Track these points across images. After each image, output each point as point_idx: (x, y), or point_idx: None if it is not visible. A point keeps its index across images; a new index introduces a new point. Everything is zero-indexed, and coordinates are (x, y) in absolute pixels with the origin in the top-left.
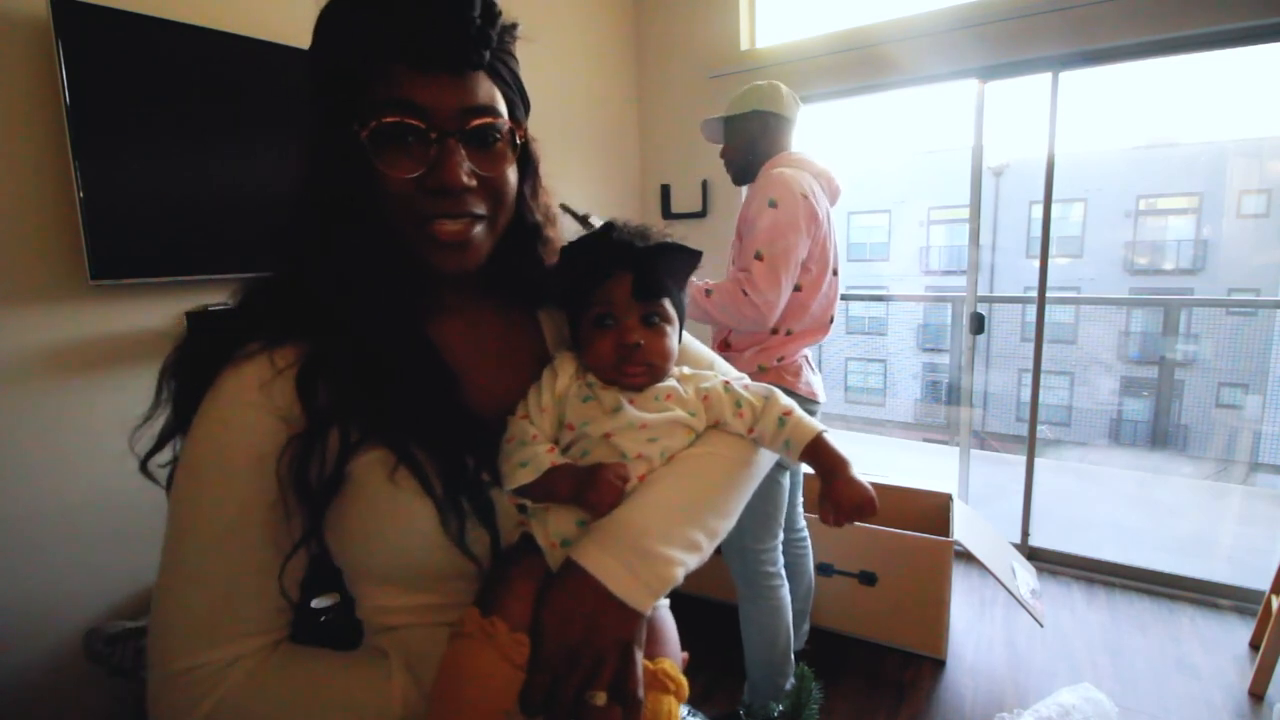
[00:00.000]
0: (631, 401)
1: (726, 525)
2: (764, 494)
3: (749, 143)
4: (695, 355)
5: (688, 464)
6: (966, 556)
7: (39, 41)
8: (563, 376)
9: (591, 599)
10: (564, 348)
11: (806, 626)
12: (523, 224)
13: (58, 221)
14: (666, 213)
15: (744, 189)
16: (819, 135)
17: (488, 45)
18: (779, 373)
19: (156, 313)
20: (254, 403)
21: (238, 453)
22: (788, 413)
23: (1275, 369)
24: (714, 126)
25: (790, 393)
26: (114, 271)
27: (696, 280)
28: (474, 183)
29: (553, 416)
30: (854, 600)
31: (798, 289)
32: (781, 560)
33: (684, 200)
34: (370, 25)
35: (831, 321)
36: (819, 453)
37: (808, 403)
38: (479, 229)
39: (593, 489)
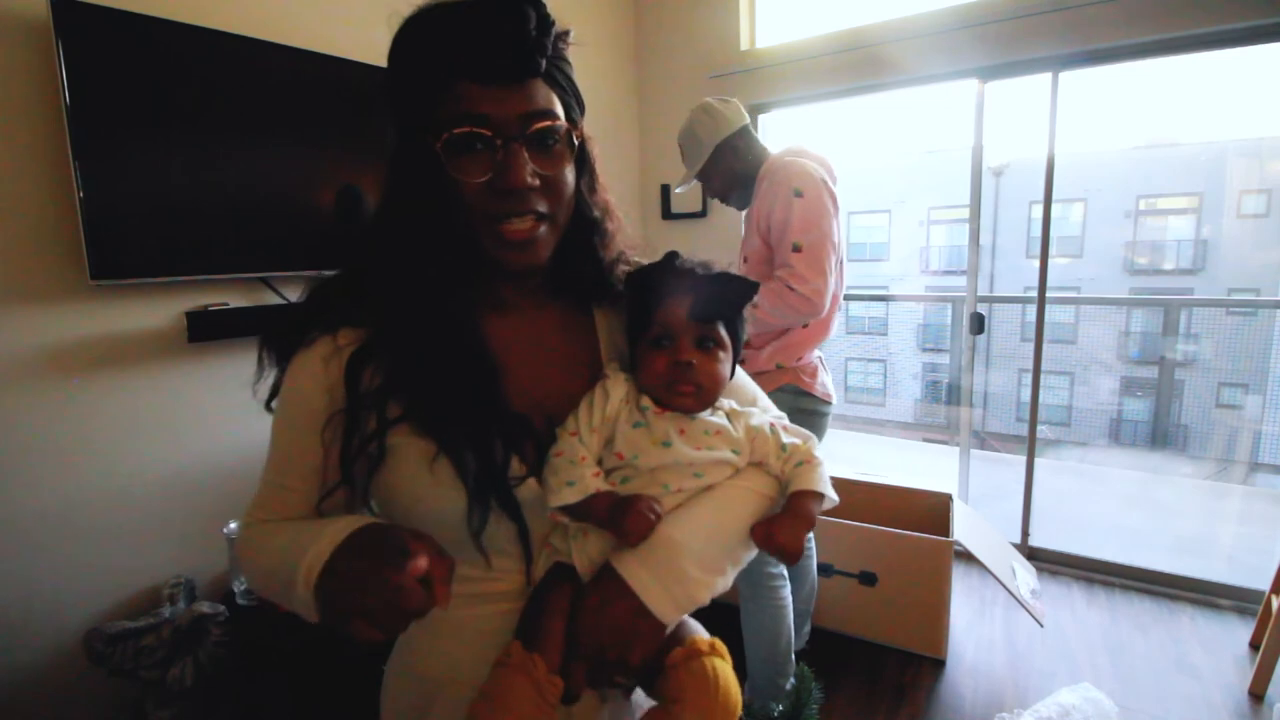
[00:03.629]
0: (681, 433)
1: (750, 556)
2: None
3: (729, 171)
4: (741, 388)
5: (727, 493)
6: (966, 556)
7: (39, 41)
8: (614, 398)
9: (624, 607)
10: (615, 356)
11: (808, 628)
12: (582, 220)
13: (58, 221)
14: (666, 213)
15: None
16: (819, 135)
17: (544, 54)
18: (796, 374)
19: (156, 313)
20: (315, 374)
21: (298, 412)
22: (817, 463)
23: (1275, 369)
24: (690, 184)
25: (806, 394)
26: (114, 271)
27: None
28: (537, 182)
29: (601, 437)
30: (854, 600)
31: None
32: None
33: (684, 200)
34: (437, 48)
35: (836, 310)
36: (804, 501)
37: (822, 404)
38: (543, 228)
39: (627, 518)
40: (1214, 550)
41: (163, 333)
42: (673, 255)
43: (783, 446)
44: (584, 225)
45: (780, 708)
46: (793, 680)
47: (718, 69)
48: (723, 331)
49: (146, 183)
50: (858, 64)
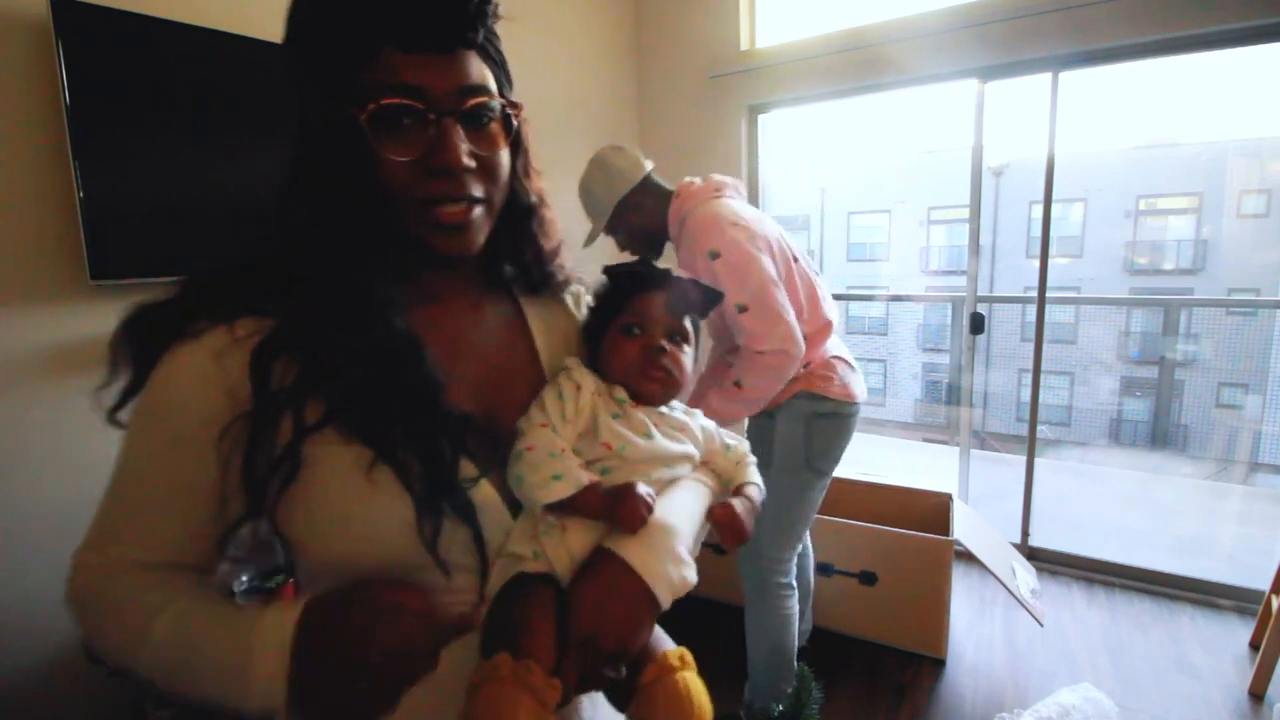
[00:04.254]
0: (656, 426)
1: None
2: (793, 506)
3: (635, 228)
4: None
5: (691, 485)
6: (967, 556)
7: (39, 41)
8: (586, 389)
9: (629, 592)
10: (559, 351)
11: (807, 625)
12: (517, 206)
13: (58, 221)
14: None
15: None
16: (819, 135)
17: (483, 22)
18: (808, 379)
19: None
20: (204, 373)
21: (181, 421)
22: (753, 460)
23: (1275, 369)
24: (599, 236)
25: (820, 397)
26: (114, 271)
27: (721, 388)
28: (473, 164)
29: (575, 429)
30: (854, 600)
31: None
32: (795, 570)
33: None
34: (359, 7)
35: (826, 307)
36: (749, 492)
37: (844, 405)
38: (478, 211)
39: (625, 506)
40: (1214, 550)
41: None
42: (645, 260)
43: (727, 446)
44: (519, 211)
45: (780, 708)
46: (794, 682)
47: (718, 69)
48: (689, 326)
49: (147, 183)
50: (857, 64)
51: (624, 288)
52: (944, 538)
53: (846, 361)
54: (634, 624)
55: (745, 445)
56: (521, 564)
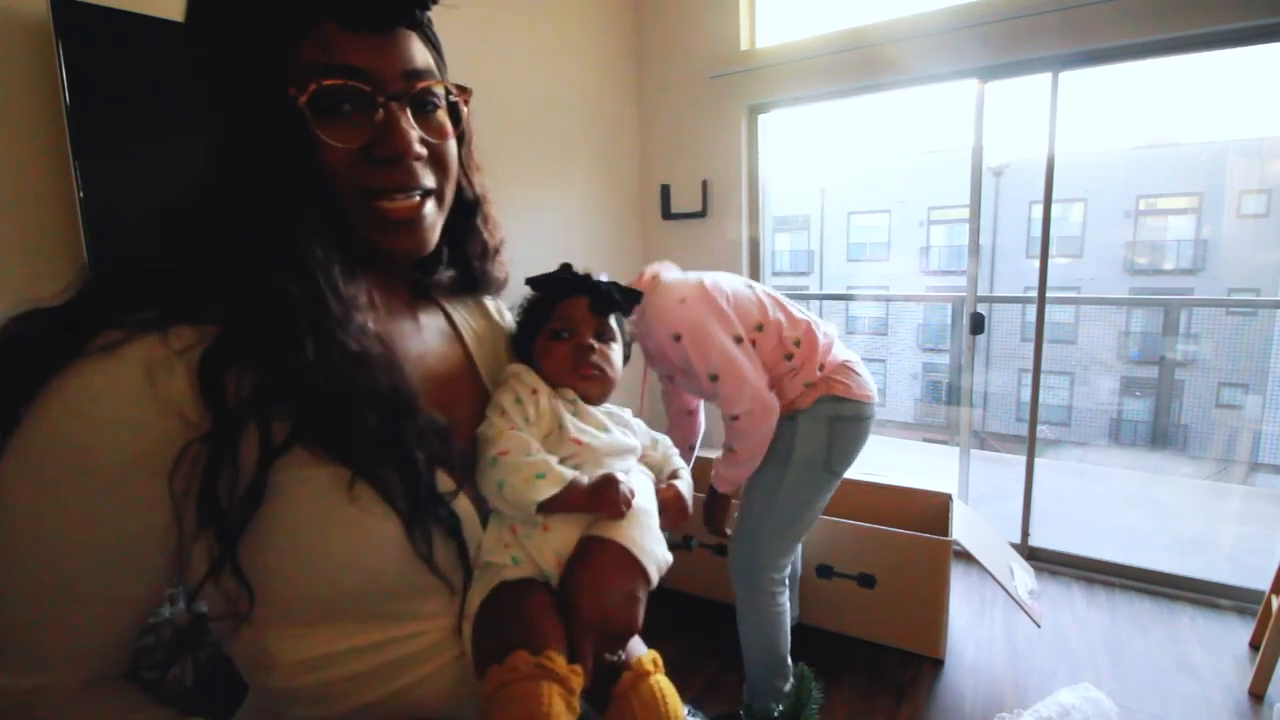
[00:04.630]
0: (608, 421)
1: None
2: (805, 507)
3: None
4: None
5: (639, 477)
6: (966, 556)
7: (39, 41)
8: (543, 392)
9: (626, 571)
10: (497, 361)
11: (796, 609)
12: (463, 199)
13: (58, 221)
14: (666, 213)
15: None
16: (819, 135)
17: (428, 4)
18: (827, 384)
19: None
20: (133, 393)
21: (106, 459)
22: (677, 452)
23: (1275, 369)
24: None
25: (843, 400)
26: None
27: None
28: (425, 152)
29: (540, 431)
30: (853, 601)
31: (753, 344)
32: (787, 568)
33: (684, 200)
34: None
35: (823, 327)
36: (682, 477)
37: (864, 406)
38: (430, 206)
39: (609, 494)
40: (1214, 550)
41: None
42: (568, 266)
43: (655, 440)
44: (465, 206)
45: (780, 708)
46: (792, 681)
47: (718, 69)
48: (614, 324)
49: (147, 182)
50: (858, 64)
51: (548, 295)
52: (943, 538)
53: (856, 364)
54: (635, 602)
55: (668, 439)
56: (501, 573)
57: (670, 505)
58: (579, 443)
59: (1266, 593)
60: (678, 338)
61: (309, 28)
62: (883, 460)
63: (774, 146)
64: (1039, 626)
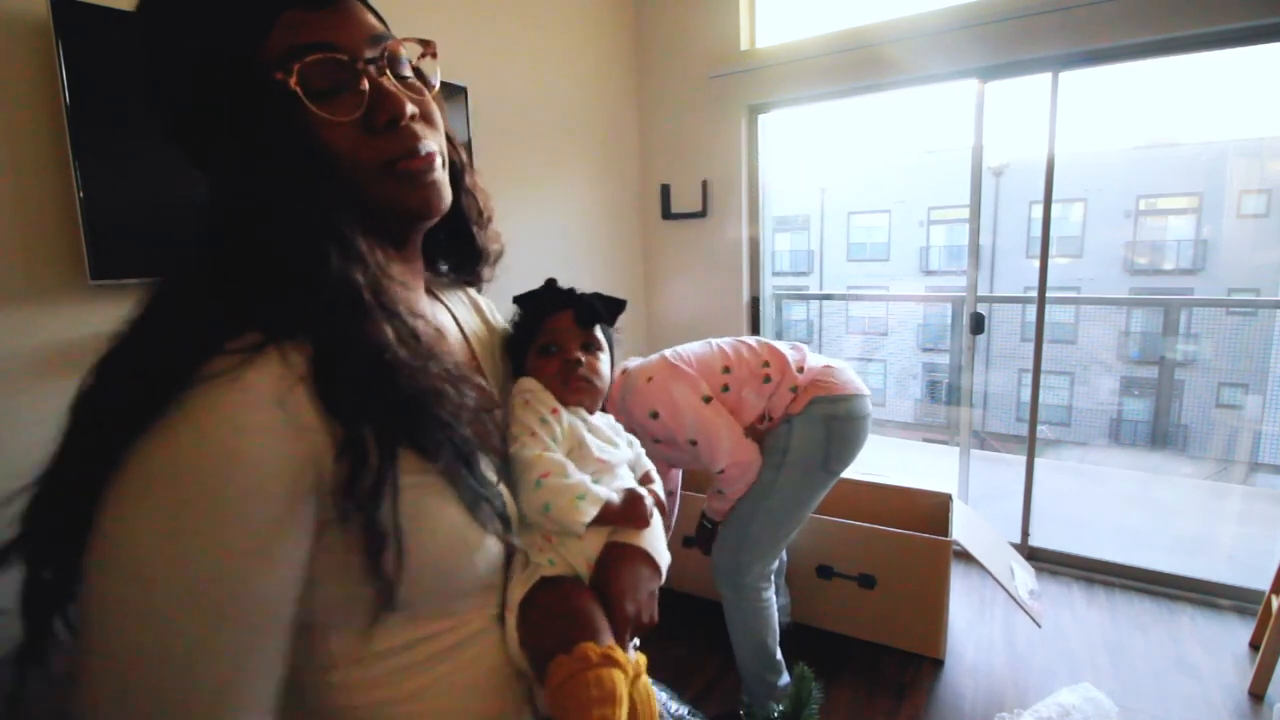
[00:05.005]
0: (615, 435)
1: None
2: (796, 507)
3: None
4: None
5: (633, 484)
6: (966, 556)
7: (39, 41)
8: (561, 411)
9: (651, 572)
10: (493, 356)
11: (785, 600)
12: (452, 164)
13: (58, 221)
14: (666, 213)
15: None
16: (819, 135)
17: None
18: (815, 387)
19: None
20: (265, 422)
21: (257, 496)
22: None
23: (1275, 369)
24: None
25: (834, 398)
26: (114, 271)
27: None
28: (416, 110)
29: (565, 448)
30: (853, 601)
31: (726, 389)
32: (774, 567)
33: (684, 200)
34: None
35: (794, 353)
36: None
37: (855, 401)
38: (437, 162)
39: (637, 509)
40: (1214, 550)
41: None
42: (552, 280)
43: (630, 441)
44: (454, 170)
45: (780, 708)
46: (787, 678)
47: (717, 69)
48: (600, 335)
49: (147, 183)
50: (858, 64)
51: (535, 312)
52: (943, 538)
53: (837, 366)
54: (654, 599)
55: (636, 439)
56: (540, 570)
57: (658, 510)
58: (602, 461)
59: (1266, 593)
60: (655, 415)
61: (274, 16)
62: (883, 460)
63: (774, 146)
64: (1039, 626)
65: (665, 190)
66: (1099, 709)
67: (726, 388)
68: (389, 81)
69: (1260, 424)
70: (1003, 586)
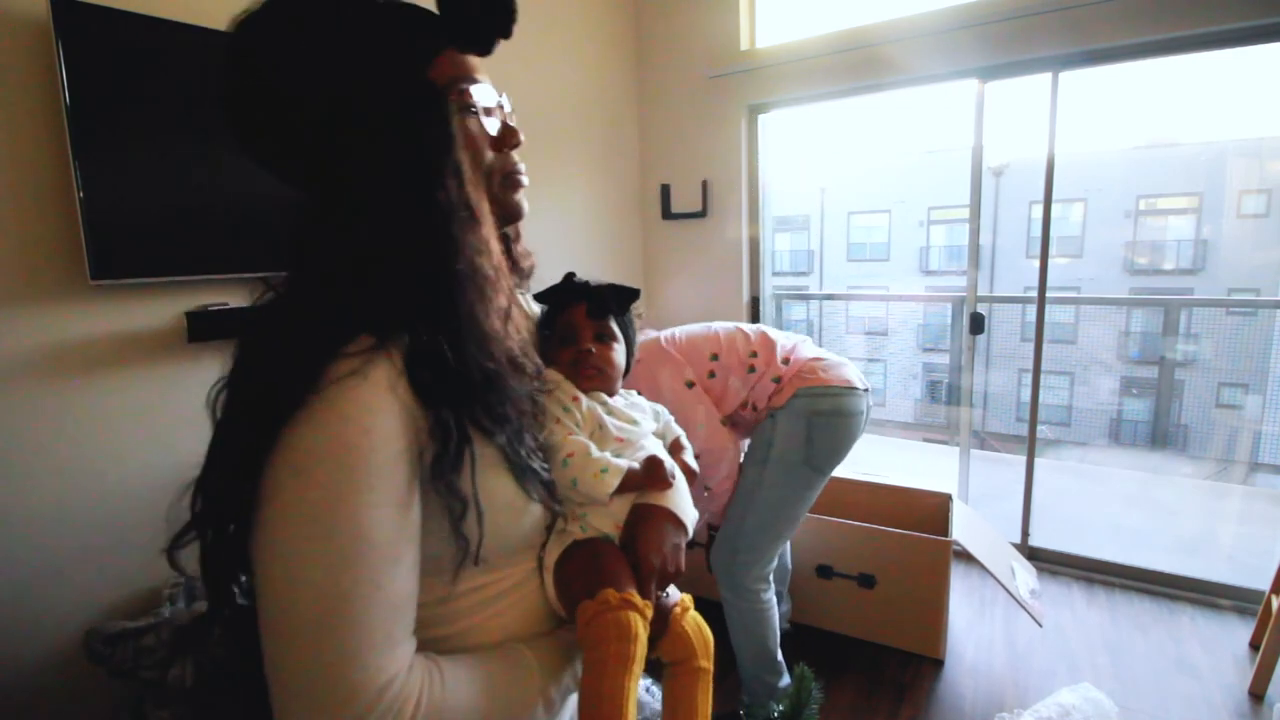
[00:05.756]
0: (632, 412)
1: None
2: (784, 505)
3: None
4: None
5: (660, 450)
6: (966, 556)
7: (39, 41)
8: (581, 399)
9: (674, 529)
10: (532, 344)
11: (787, 608)
12: None
13: (58, 221)
14: (666, 213)
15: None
16: (819, 135)
17: (513, 30)
18: (799, 379)
19: (156, 313)
20: (388, 406)
21: (393, 461)
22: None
23: (1275, 369)
24: None
25: (818, 391)
26: (114, 271)
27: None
28: None
29: (587, 431)
30: (853, 601)
31: (712, 375)
32: (773, 567)
33: (684, 200)
34: (426, 14)
35: (786, 341)
36: (680, 443)
37: (843, 396)
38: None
39: (659, 473)
40: (1214, 550)
41: (163, 333)
42: (571, 275)
43: (656, 412)
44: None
45: (780, 708)
46: (787, 678)
47: (717, 69)
48: (613, 325)
49: (146, 183)
50: (858, 64)
51: (553, 306)
52: (943, 538)
53: (828, 359)
54: (680, 551)
55: (664, 409)
56: (572, 535)
57: (685, 473)
58: (621, 440)
59: (1266, 593)
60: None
61: (442, 49)
62: (883, 460)
63: (774, 146)
64: (1040, 626)
65: (665, 190)
66: (1099, 709)
67: (713, 374)
68: (511, 117)
69: (1260, 424)
70: (1003, 586)
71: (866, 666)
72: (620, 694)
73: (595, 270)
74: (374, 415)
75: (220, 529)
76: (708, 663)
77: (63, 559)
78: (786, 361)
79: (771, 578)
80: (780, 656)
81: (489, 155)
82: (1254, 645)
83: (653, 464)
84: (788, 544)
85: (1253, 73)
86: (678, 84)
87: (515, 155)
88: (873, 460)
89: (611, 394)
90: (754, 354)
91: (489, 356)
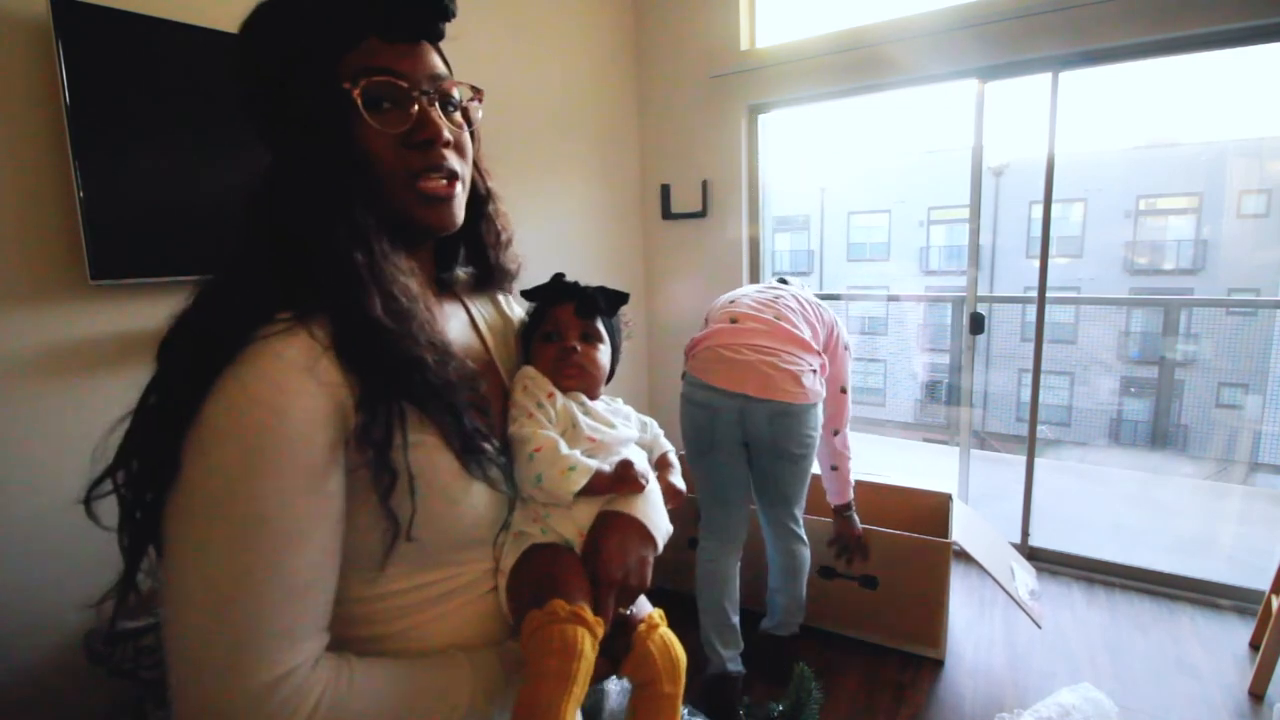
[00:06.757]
0: (613, 417)
1: None
2: (806, 474)
3: None
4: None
5: (642, 457)
6: (967, 556)
7: (39, 41)
8: (556, 395)
9: (639, 538)
10: (508, 351)
11: (782, 616)
12: (476, 192)
13: (58, 221)
14: (666, 213)
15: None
16: (819, 135)
17: (449, 17)
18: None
19: (156, 313)
20: (304, 387)
21: (303, 442)
22: (662, 433)
23: (1275, 369)
24: None
25: (686, 377)
26: (114, 271)
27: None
28: (452, 138)
29: (559, 428)
30: (854, 602)
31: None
32: (711, 534)
33: (684, 200)
34: (348, 2)
35: (722, 307)
36: (668, 457)
37: (693, 385)
38: (457, 187)
39: (629, 477)
40: (1214, 550)
41: (162, 333)
42: (560, 275)
43: (644, 424)
44: (479, 199)
45: (780, 708)
46: (730, 649)
47: (718, 69)
48: (600, 326)
49: (146, 182)
50: (858, 64)
51: (541, 304)
52: (942, 540)
53: (715, 344)
54: (646, 565)
55: (654, 422)
56: (531, 539)
57: (666, 492)
58: (593, 440)
59: (1266, 593)
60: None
61: (357, 40)
62: (883, 460)
63: (774, 146)
64: (1040, 627)
65: (665, 190)
66: (1099, 709)
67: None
68: (435, 111)
69: (1260, 424)
70: (1002, 587)
71: (866, 666)
72: (553, 714)
73: (595, 269)
74: (287, 396)
75: (138, 496)
76: (673, 687)
77: (63, 559)
78: (694, 344)
79: (709, 544)
80: (716, 616)
81: (387, 154)
82: (1254, 645)
83: (624, 466)
84: (788, 545)
85: (1253, 73)
86: (678, 84)
87: (449, 155)
88: (873, 460)
89: (593, 396)
90: (703, 325)
91: (406, 335)
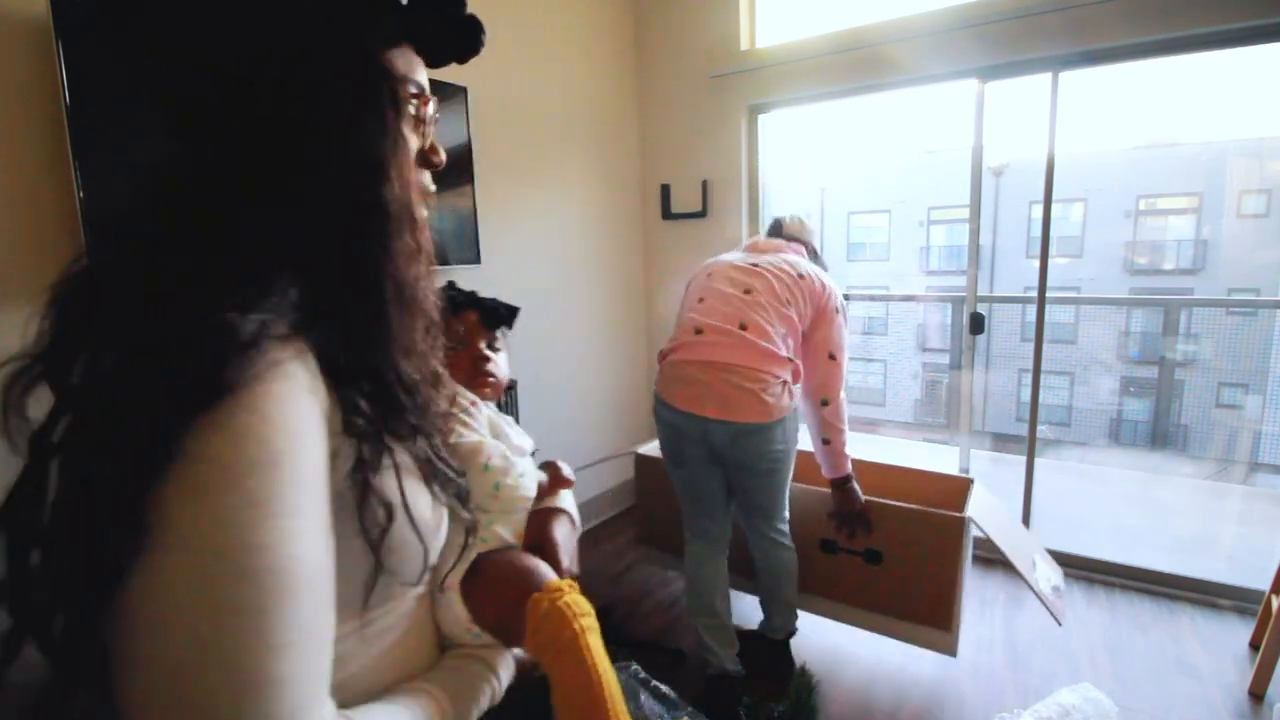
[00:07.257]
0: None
1: None
2: (781, 485)
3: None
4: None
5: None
6: (982, 561)
7: (39, 41)
8: (479, 402)
9: (571, 528)
10: None
11: (778, 621)
12: None
13: (58, 221)
14: (666, 213)
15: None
16: (819, 135)
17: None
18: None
19: None
20: (309, 411)
21: (316, 473)
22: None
23: (1275, 369)
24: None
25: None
26: None
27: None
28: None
29: (492, 436)
30: (858, 579)
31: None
32: (694, 533)
33: (684, 200)
34: (394, 4)
35: (692, 313)
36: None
37: (660, 403)
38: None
39: (561, 476)
40: (1214, 550)
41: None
42: (451, 284)
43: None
44: None
45: (780, 708)
46: (721, 652)
47: (718, 69)
48: (501, 337)
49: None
50: (858, 64)
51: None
52: (955, 514)
53: (679, 360)
54: (576, 552)
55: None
56: (474, 550)
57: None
58: (519, 446)
59: (1266, 593)
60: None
61: (398, 40)
62: (883, 460)
63: (774, 146)
64: (1060, 624)
65: (665, 190)
66: (1099, 709)
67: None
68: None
69: (1260, 424)
70: (1022, 577)
71: (867, 666)
72: (605, 653)
73: (595, 269)
74: (301, 419)
75: (76, 606)
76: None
77: None
78: (662, 356)
79: (695, 538)
80: (699, 605)
81: (411, 160)
82: (1254, 645)
83: (553, 467)
84: (768, 560)
85: (1253, 73)
86: (678, 84)
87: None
88: (872, 459)
89: (497, 405)
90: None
91: (417, 369)
